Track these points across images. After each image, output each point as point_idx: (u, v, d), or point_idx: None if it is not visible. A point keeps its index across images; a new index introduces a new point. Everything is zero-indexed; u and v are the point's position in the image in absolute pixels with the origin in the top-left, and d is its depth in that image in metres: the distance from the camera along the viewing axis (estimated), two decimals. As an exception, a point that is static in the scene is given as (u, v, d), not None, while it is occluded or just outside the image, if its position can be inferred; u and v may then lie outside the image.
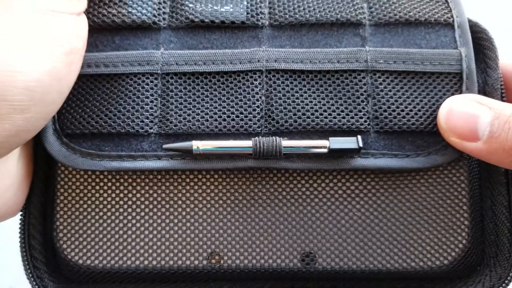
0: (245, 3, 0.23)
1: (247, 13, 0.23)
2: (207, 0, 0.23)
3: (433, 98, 0.22)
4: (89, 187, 0.22)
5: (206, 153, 0.20)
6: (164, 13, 0.23)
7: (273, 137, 0.21)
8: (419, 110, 0.21)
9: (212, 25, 0.23)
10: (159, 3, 0.23)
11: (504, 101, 0.22)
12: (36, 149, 0.23)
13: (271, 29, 0.23)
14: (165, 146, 0.21)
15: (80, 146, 0.21)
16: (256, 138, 0.21)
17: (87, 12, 0.22)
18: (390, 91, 0.22)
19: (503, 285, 0.22)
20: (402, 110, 0.21)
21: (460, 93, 0.22)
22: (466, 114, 0.20)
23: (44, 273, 0.22)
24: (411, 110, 0.21)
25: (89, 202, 0.22)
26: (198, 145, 0.20)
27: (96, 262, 0.22)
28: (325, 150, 0.20)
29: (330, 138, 0.20)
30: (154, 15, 0.23)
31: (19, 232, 0.22)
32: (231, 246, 0.22)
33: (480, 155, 0.20)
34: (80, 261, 0.22)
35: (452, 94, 0.22)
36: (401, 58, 0.22)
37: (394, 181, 0.22)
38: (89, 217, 0.22)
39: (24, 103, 0.18)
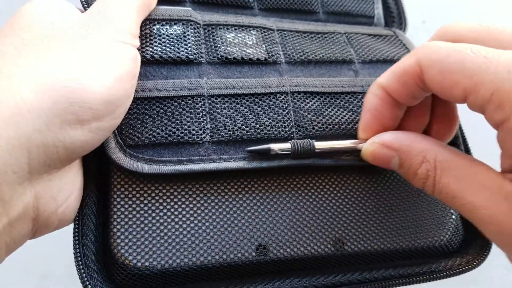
0: (264, 47, 0.29)
1: (268, 53, 0.29)
2: (234, 44, 0.29)
3: None
4: (145, 194, 0.24)
5: (280, 153, 0.25)
6: (201, 52, 0.28)
7: (307, 139, 0.26)
8: None
9: (242, 61, 0.28)
10: (197, 44, 0.28)
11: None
12: (85, 165, 0.25)
13: (286, 65, 0.29)
14: (247, 149, 0.25)
15: (143, 155, 0.24)
16: (294, 140, 0.25)
17: (138, 49, 0.26)
18: None
19: (486, 252, 0.28)
20: None
21: None
22: (380, 160, 0.24)
23: (98, 281, 0.23)
24: None
25: (145, 208, 0.24)
26: (275, 147, 0.25)
27: (155, 263, 0.23)
28: (355, 150, 0.26)
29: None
30: (195, 53, 0.28)
31: (74, 243, 0.23)
32: (275, 238, 0.25)
33: None
34: (139, 264, 0.23)
35: None
36: None
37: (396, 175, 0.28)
38: (146, 221, 0.24)
39: (101, 113, 0.21)
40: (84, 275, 0.23)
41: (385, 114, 0.24)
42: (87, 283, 0.23)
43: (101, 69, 0.21)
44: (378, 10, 0.36)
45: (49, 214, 0.22)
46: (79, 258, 0.23)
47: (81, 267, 0.23)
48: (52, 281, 0.22)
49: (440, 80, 0.21)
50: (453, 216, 0.28)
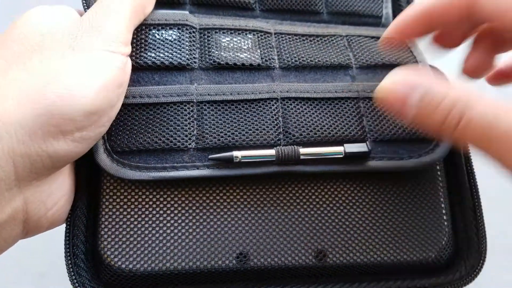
0: (259, 51, 0.29)
1: (262, 58, 0.29)
2: (228, 48, 0.29)
3: None
4: (132, 199, 0.25)
5: (244, 161, 0.25)
6: (194, 57, 0.28)
7: (292, 145, 0.26)
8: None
9: (234, 67, 0.28)
10: (190, 49, 0.28)
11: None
12: (78, 169, 0.26)
13: (280, 70, 0.29)
14: (210, 156, 0.25)
15: (129, 161, 0.25)
16: (278, 147, 0.25)
17: (130, 55, 0.27)
18: (379, 111, 0.28)
19: (475, 272, 0.27)
20: (391, 124, 0.27)
21: None
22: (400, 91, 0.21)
23: (86, 279, 0.25)
24: (397, 123, 0.27)
25: (132, 212, 0.25)
26: (238, 154, 0.25)
27: (138, 266, 0.25)
28: (341, 155, 0.25)
29: (344, 144, 0.25)
30: (188, 59, 0.28)
31: (65, 242, 0.25)
32: (256, 247, 0.25)
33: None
34: (123, 266, 0.24)
35: None
36: None
37: (388, 185, 0.27)
38: (131, 225, 0.25)
39: (83, 123, 0.22)
40: (72, 273, 0.24)
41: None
42: (75, 281, 0.24)
43: (84, 80, 0.22)
44: (387, 10, 0.34)
45: (39, 218, 0.23)
46: (69, 257, 0.25)
47: (70, 265, 0.24)
48: (50, 280, 0.24)
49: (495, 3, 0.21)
50: (444, 233, 0.27)
